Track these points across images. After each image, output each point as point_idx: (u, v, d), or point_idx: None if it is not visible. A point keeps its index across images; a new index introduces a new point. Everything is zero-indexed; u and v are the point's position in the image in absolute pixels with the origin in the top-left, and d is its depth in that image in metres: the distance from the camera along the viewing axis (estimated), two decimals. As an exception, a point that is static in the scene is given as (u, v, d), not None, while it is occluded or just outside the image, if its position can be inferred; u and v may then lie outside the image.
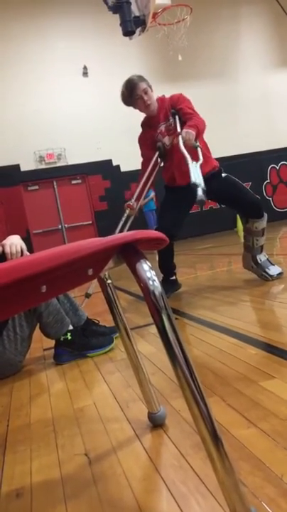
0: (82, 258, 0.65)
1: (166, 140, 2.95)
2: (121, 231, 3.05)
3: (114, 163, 10.77)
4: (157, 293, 0.71)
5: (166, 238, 0.78)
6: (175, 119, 2.92)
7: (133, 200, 3.02)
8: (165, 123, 2.94)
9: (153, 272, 0.72)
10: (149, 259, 0.74)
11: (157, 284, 0.71)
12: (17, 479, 1.02)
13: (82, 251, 0.65)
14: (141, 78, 2.92)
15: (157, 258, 3.08)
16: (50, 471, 1.03)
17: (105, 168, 10.77)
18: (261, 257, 2.97)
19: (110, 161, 10.76)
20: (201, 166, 2.74)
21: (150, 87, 2.90)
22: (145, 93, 2.87)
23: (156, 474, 0.93)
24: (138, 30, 5.45)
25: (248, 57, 12.03)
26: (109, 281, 1.08)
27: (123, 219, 3.06)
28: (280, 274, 2.92)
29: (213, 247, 6.94)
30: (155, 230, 2.90)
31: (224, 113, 11.35)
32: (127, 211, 3.04)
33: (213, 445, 0.69)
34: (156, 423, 1.14)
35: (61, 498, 0.91)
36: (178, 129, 2.85)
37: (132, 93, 2.87)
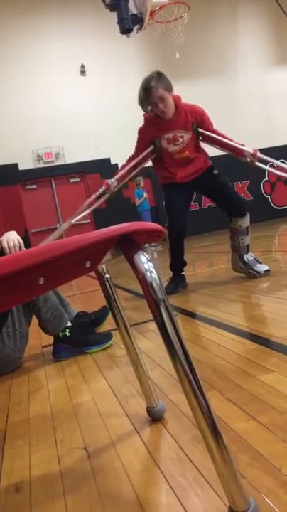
0: (78, 250, 0.65)
1: (169, 147, 2.94)
2: (89, 205, 3.05)
3: (112, 162, 10.76)
4: (155, 285, 0.71)
5: (164, 230, 0.78)
6: (196, 135, 2.95)
7: (113, 180, 3.00)
8: (178, 133, 2.91)
9: (150, 264, 0.72)
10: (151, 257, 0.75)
11: (155, 275, 0.71)
12: (16, 473, 1.02)
13: (78, 243, 0.65)
14: (159, 80, 2.78)
15: (169, 254, 3.10)
16: (49, 465, 1.03)
17: (103, 166, 10.76)
18: (248, 257, 3.05)
19: (108, 159, 10.75)
20: (198, 164, 2.97)
21: (168, 88, 2.80)
22: (162, 100, 2.77)
23: (155, 467, 0.93)
24: (135, 28, 5.43)
25: (246, 55, 12.03)
26: (107, 275, 1.08)
27: (97, 193, 3.02)
28: (267, 271, 2.99)
29: (212, 245, 6.95)
30: (168, 226, 2.95)
31: (221, 111, 11.30)
32: (103, 188, 3.01)
33: (212, 436, 0.70)
34: (155, 417, 1.14)
35: (60, 491, 0.91)
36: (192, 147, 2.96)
37: (147, 100, 2.81)
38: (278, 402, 1.10)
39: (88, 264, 0.74)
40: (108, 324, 2.10)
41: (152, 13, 5.36)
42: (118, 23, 5.27)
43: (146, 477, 0.91)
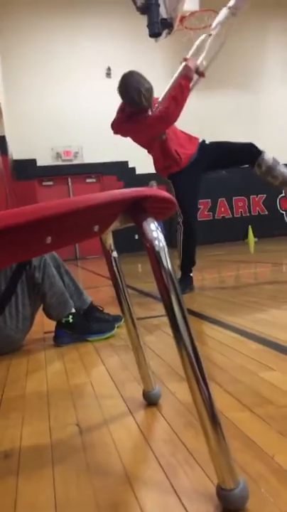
0: (88, 208, 0.65)
1: None
2: None
3: (130, 165, 10.81)
4: (163, 254, 0.70)
5: (175, 201, 0.77)
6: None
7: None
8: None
9: (160, 233, 0.71)
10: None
11: (163, 244, 0.71)
12: (7, 442, 1.02)
13: (89, 201, 0.65)
14: None
15: (180, 252, 3.05)
16: (41, 437, 1.02)
17: (121, 169, 10.82)
18: None
19: (126, 162, 10.80)
20: (187, 146, 2.95)
21: None
22: None
23: (146, 446, 0.92)
24: (164, 33, 5.45)
25: (273, 70, 12.05)
26: (114, 253, 1.07)
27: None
28: None
29: (223, 255, 6.92)
30: (183, 222, 2.92)
31: (244, 124, 11.36)
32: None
33: (206, 410, 0.69)
34: (151, 401, 1.13)
35: (49, 461, 0.91)
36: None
37: (151, 98, 2.86)
38: (276, 397, 1.09)
39: (96, 229, 0.73)
40: (114, 308, 2.09)
41: (182, 19, 5.38)
42: (147, 26, 5.29)
43: (136, 454, 0.90)
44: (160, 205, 0.76)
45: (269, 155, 2.90)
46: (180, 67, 2.87)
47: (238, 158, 3.02)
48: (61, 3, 10.59)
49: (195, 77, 2.93)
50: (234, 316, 2.10)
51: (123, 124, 2.96)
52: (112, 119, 3.07)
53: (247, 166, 3.00)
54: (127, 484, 0.78)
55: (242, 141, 3.04)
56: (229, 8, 2.93)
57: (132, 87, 2.79)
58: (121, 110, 2.99)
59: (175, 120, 2.82)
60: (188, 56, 2.97)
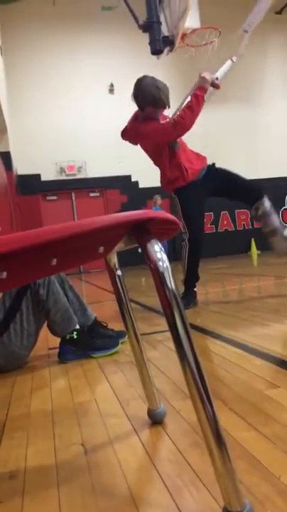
0: (91, 232, 0.65)
1: None
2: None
3: (133, 179, 10.88)
4: (167, 275, 0.71)
5: (178, 223, 0.78)
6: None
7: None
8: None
9: (163, 254, 0.72)
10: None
11: (167, 265, 0.71)
12: (12, 462, 1.01)
13: (92, 224, 0.66)
14: None
15: (185, 267, 3.05)
16: (45, 456, 1.02)
17: (124, 183, 10.89)
18: (286, 231, 2.97)
19: (129, 176, 10.87)
20: (195, 162, 2.98)
21: None
22: None
23: (152, 467, 0.91)
24: (166, 50, 5.54)
25: (274, 85, 12.16)
26: (118, 272, 1.08)
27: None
28: None
29: (225, 268, 6.91)
30: (189, 239, 2.92)
31: (246, 138, 11.45)
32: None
33: (211, 431, 0.69)
34: (156, 420, 1.13)
35: (54, 482, 0.90)
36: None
37: (167, 96, 2.89)
38: (282, 415, 1.08)
39: (101, 250, 0.74)
40: (118, 324, 2.09)
41: (183, 36, 5.47)
42: (149, 43, 5.39)
43: (141, 475, 0.89)
44: (164, 227, 0.77)
45: (268, 202, 2.96)
46: (196, 80, 2.96)
47: (240, 193, 3.06)
48: (64, 20, 10.78)
49: (210, 89, 2.99)
50: (237, 331, 2.10)
51: (135, 128, 2.98)
52: (122, 129, 3.10)
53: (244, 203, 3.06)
54: (132, 506, 0.78)
55: (252, 181, 3.10)
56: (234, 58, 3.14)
57: (150, 85, 2.84)
58: (134, 119, 3.03)
59: (189, 127, 2.85)
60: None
